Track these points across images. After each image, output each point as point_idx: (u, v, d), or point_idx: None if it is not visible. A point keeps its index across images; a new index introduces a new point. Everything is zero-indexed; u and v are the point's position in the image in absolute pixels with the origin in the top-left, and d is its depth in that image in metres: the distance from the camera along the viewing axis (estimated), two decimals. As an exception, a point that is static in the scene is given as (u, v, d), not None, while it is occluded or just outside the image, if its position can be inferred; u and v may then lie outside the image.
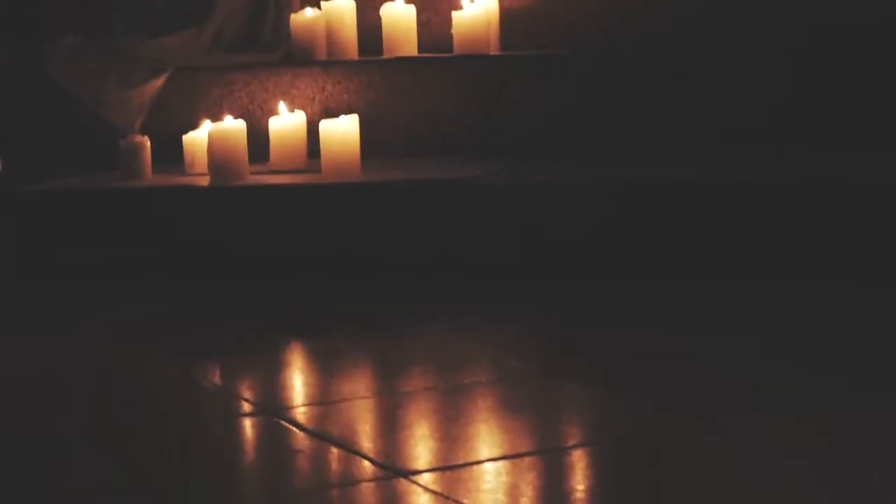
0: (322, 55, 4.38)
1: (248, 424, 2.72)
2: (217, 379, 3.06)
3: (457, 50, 4.29)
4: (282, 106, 4.14)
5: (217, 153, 3.96)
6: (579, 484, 2.31)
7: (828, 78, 4.07)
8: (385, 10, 4.35)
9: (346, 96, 4.29)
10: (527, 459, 2.38)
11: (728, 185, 3.65)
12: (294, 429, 2.59)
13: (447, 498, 2.17)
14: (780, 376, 2.78)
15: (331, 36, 4.38)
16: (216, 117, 4.15)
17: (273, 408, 2.77)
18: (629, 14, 4.34)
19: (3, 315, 3.73)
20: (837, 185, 3.58)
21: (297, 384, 3.03)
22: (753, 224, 3.56)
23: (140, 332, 3.45)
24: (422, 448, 2.48)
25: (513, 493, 2.22)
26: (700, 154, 3.97)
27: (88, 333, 3.44)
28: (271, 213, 3.88)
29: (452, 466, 2.34)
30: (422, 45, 4.41)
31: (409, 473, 2.30)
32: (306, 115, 4.14)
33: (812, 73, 4.09)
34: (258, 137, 4.10)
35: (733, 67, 4.12)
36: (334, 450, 2.47)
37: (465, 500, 2.16)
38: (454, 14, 4.27)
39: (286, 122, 4.09)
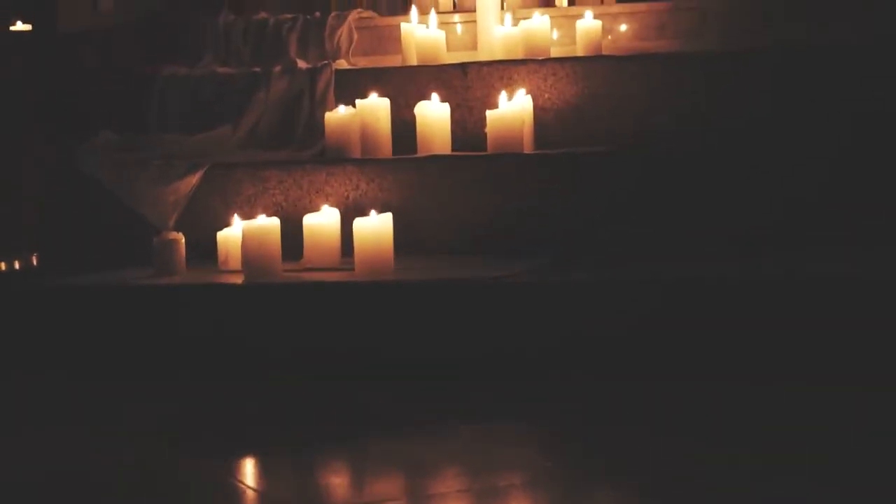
0: (356, 153, 4.39)
1: (279, 526, 2.69)
2: (248, 480, 3.04)
3: (491, 148, 4.30)
4: (322, 204, 4.15)
5: (251, 251, 3.96)
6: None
7: (859, 185, 4.05)
8: (419, 109, 4.37)
9: (380, 194, 4.30)
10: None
11: (765, 285, 3.63)
12: (327, 532, 2.55)
13: None
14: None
15: (365, 133, 4.40)
16: (250, 214, 4.16)
17: (305, 510, 2.74)
18: (662, 115, 4.36)
19: (35, 410, 3.71)
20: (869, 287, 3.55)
21: (329, 485, 3.00)
22: (795, 322, 3.54)
23: (172, 430, 3.43)
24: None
25: None
26: (734, 253, 3.95)
27: (121, 431, 3.42)
28: (305, 311, 3.87)
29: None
30: (456, 143, 4.42)
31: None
32: (340, 212, 4.15)
33: (845, 180, 4.07)
34: (292, 235, 4.11)
35: (766, 171, 4.11)
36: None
37: None
38: (489, 113, 4.29)
39: (320, 220, 4.10)
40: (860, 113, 4.19)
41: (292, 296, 3.90)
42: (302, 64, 4.74)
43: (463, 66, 4.57)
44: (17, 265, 4.54)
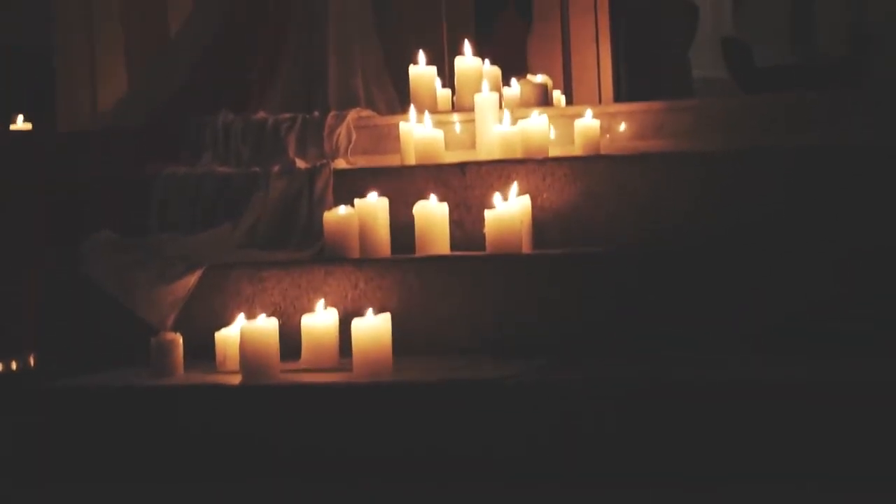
0: (355, 252, 4.39)
1: None
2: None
3: (489, 248, 4.30)
4: (320, 304, 4.13)
5: (248, 351, 3.95)
6: None
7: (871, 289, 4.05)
8: (418, 209, 4.38)
9: (378, 294, 4.29)
10: None
11: (761, 388, 3.61)
12: None
13: None
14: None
15: (364, 233, 4.40)
16: (249, 314, 4.15)
17: None
18: (661, 215, 4.36)
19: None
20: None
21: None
22: (790, 425, 3.52)
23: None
24: None
25: None
26: (733, 355, 3.94)
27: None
28: (302, 412, 3.85)
29: None
30: (454, 243, 4.42)
31: None
32: (339, 312, 4.13)
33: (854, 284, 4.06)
34: (290, 335, 4.10)
35: (766, 271, 4.10)
36: None
37: None
38: (487, 213, 4.29)
39: (318, 320, 4.08)
40: (865, 214, 4.20)
41: (290, 397, 3.88)
42: (301, 163, 4.76)
43: (461, 166, 4.58)
44: (14, 366, 4.53)
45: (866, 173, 4.27)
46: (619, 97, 6.13)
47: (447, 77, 5.22)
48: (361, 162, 4.88)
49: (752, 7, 10.04)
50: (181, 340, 4.16)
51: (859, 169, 4.28)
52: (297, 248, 4.57)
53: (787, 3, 10.35)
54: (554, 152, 4.69)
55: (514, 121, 4.72)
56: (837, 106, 4.65)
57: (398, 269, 4.30)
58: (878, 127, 4.52)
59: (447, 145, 4.77)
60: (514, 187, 4.36)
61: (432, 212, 4.37)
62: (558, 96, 5.53)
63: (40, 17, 6.74)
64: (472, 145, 4.84)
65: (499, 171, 4.53)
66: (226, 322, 4.23)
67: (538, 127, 4.65)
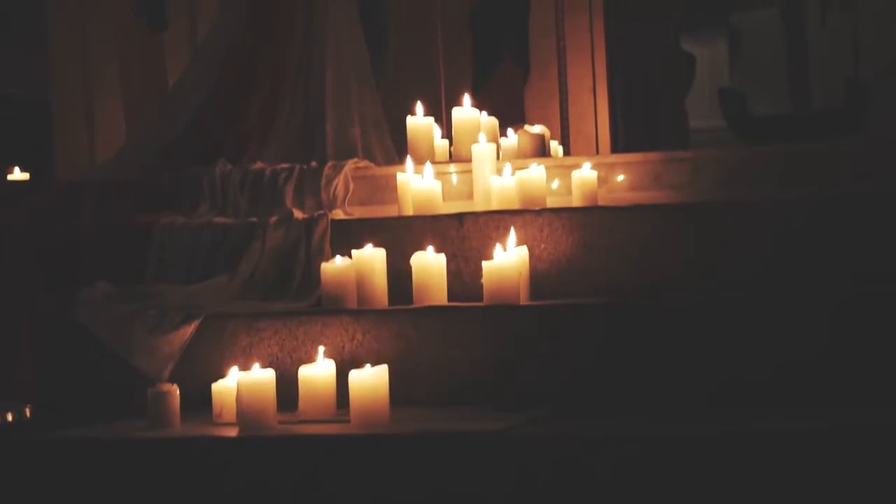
0: (352, 303, 4.39)
1: None
2: None
3: (487, 299, 4.29)
4: (320, 353, 4.12)
5: (245, 403, 3.94)
6: None
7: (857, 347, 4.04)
8: (415, 260, 4.38)
9: (375, 345, 4.28)
10: None
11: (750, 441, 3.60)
12: None
13: None
14: None
15: (361, 284, 4.40)
16: (245, 365, 4.14)
17: None
18: (658, 266, 4.37)
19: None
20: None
21: None
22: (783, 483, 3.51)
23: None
24: None
25: None
26: (729, 411, 3.93)
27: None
28: (299, 464, 3.83)
29: None
30: (452, 294, 4.42)
31: None
32: (336, 363, 4.13)
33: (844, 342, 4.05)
34: (287, 386, 4.08)
35: (763, 325, 4.09)
36: None
37: None
38: (485, 264, 4.29)
39: (315, 372, 4.08)
40: (860, 268, 4.20)
41: (287, 448, 3.86)
42: (298, 214, 4.76)
43: (459, 217, 4.59)
44: (9, 417, 4.51)
45: (859, 225, 4.29)
46: (616, 147, 6.15)
47: (445, 127, 5.24)
48: (359, 212, 4.89)
49: (748, 57, 10.10)
50: (178, 392, 4.15)
51: (852, 220, 4.30)
52: (294, 299, 4.56)
53: (783, 54, 10.41)
54: (552, 203, 4.70)
55: (512, 171, 4.73)
56: (831, 158, 4.67)
57: (395, 320, 4.29)
58: (870, 178, 4.54)
59: (445, 196, 4.78)
60: (513, 238, 4.36)
61: (430, 263, 4.37)
62: (556, 147, 5.55)
63: (37, 67, 6.77)
64: (470, 195, 4.85)
65: (496, 222, 4.53)
66: (223, 373, 4.22)
67: (535, 178, 4.66)
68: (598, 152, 5.71)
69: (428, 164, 4.80)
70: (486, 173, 4.76)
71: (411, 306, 4.35)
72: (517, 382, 4.19)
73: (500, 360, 4.21)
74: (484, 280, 4.28)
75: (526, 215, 4.53)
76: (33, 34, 7.03)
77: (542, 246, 4.49)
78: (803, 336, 4.01)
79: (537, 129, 5.25)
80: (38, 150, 6.65)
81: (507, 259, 4.28)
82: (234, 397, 4.02)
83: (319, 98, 5.36)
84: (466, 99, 5.09)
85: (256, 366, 4.04)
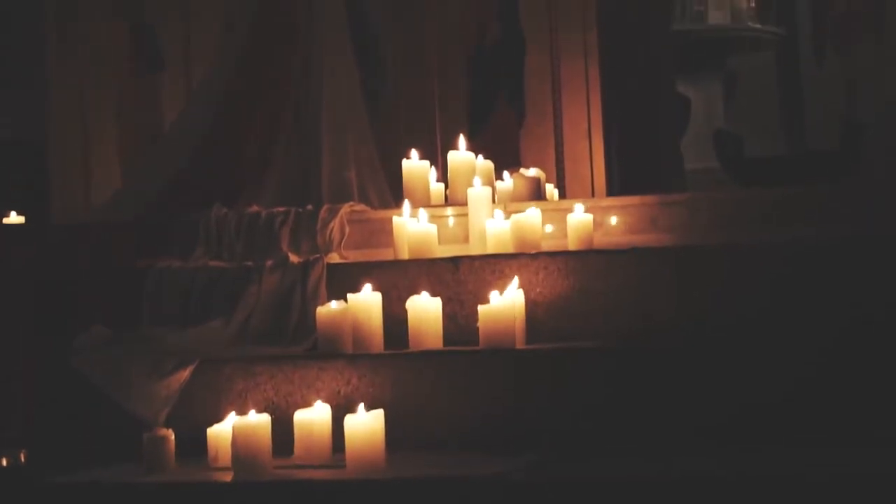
0: (348, 348, 4.38)
1: None
2: None
3: (483, 343, 4.28)
4: (317, 401, 4.12)
5: (241, 448, 3.93)
6: None
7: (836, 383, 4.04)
8: (411, 303, 4.37)
9: (371, 389, 4.27)
10: None
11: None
12: None
13: None
14: None
15: (357, 328, 4.39)
16: (241, 410, 4.13)
17: None
18: (655, 309, 4.37)
19: None
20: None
21: None
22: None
23: None
24: None
25: None
26: (728, 452, 3.92)
27: None
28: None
29: None
30: (447, 338, 4.41)
31: None
32: (331, 407, 4.12)
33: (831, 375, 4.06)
34: (283, 430, 4.07)
35: (759, 366, 4.09)
36: None
37: None
38: (480, 308, 4.29)
39: (311, 416, 4.07)
40: (851, 312, 4.21)
41: (282, 493, 3.85)
42: (294, 258, 4.76)
43: (455, 261, 4.59)
44: (4, 462, 4.49)
45: (853, 267, 4.30)
46: (612, 189, 6.16)
47: (441, 170, 5.25)
48: (355, 256, 4.89)
49: (743, 99, 10.13)
50: (173, 437, 4.14)
51: (846, 263, 4.31)
52: (290, 343, 4.55)
53: (778, 96, 10.45)
54: (547, 246, 4.70)
55: (508, 215, 4.73)
56: (826, 200, 4.68)
57: (391, 365, 4.29)
58: (864, 219, 4.55)
59: (440, 239, 4.78)
60: (513, 286, 4.36)
61: (425, 307, 4.37)
62: (551, 190, 5.55)
63: (33, 110, 6.78)
64: (466, 239, 4.85)
65: (492, 265, 4.54)
66: (218, 417, 4.21)
67: (531, 221, 4.66)
68: (593, 195, 5.72)
69: (423, 207, 4.80)
70: (481, 217, 4.76)
71: (407, 350, 4.35)
72: (514, 426, 4.17)
73: (496, 403, 4.20)
74: (480, 324, 4.28)
75: (521, 259, 4.53)
76: (28, 75, 7.05)
77: (538, 290, 4.49)
78: (794, 375, 4.02)
79: (532, 172, 5.26)
80: (33, 192, 6.66)
81: (503, 303, 4.28)
82: (229, 441, 4.01)
83: (315, 141, 5.37)
84: (462, 142, 5.10)
85: (252, 410, 4.03)
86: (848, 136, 8.22)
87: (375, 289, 4.43)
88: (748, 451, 3.89)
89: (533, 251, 4.59)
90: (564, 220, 4.74)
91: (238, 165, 5.38)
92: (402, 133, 5.67)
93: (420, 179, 5.04)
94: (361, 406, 3.96)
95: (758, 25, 9.98)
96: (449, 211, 4.96)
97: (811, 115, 10.38)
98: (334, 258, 4.83)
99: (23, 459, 4.47)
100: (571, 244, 4.68)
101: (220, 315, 4.66)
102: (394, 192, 5.31)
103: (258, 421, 3.96)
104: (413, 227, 4.71)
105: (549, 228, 4.80)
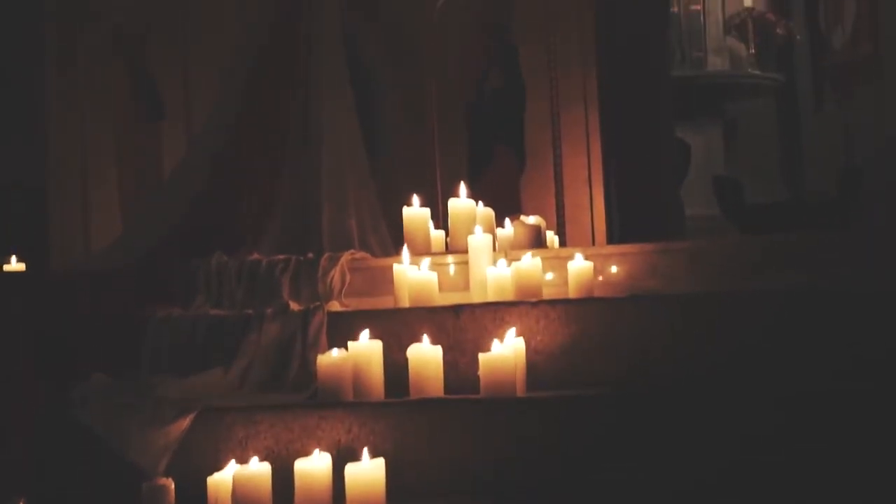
0: (349, 396, 4.37)
1: None
2: None
3: (484, 391, 4.27)
4: (316, 450, 4.11)
5: (241, 497, 3.92)
6: None
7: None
8: (412, 351, 4.37)
9: (372, 437, 4.26)
10: None
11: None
12: None
13: None
14: None
15: (357, 376, 4.38)
16: (242, 458, 4.12)
17: None
18: (655, 357, 4.37)
19: None
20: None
21: None
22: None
23: None
24: None
25: None
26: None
27: None
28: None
29: None
30: (448, 385, 4.40)
31: None
32: (332, 456, 4.10)
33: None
34: (283, 479, 4.05)
35: (765, 415, 4.09)
36: None
37: None
38: (481, 356, 4.28)
39: (311, 465, 4.04)
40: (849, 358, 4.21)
41: (282, 544, 3.85)
42: (294, 306, 4.75)
43: (455, 308, 4.58)
44: (2, 511, 4.48)
45: (847, 316, 4.32)
46: (612, 235, 6.16)
47: (441, 217, 5.25)
48: (355, 304, 4.89)
49: (743, 145, 10.15)
50: (173, 486, 4.13)
51: (842, 311, 4.33)
52: (290, 391, 4.55)
53: (777, 141, 10.47)
54: (548, 293, 4.70)
55: (508, 262, 4.73)
56: (824, 247, 4.70)
57: (392, 413, 4.27)
58: (863, 266, 4.56)
59: (441, 286, 4.78)
60: (513, 334, 4.35)
61: (426, 354, 4.36)
62: (552, 237, 5.56)
63: (34, 156, 6.79)
64: (466, 286, 4.85)
65: (492, 313, 4.53)
66: (218, 466, 4.19)
67: (532, 269, 4.67)
68: (594, 242, 5.72)
69: (424, 255, 4.80)
70: (482, 264, 4.76)
71: (408, 399, 4.34)
72: (514, 474, 4.16)
73: (496, 451, 4.19)
74: (481, 372, 4.27)
75: (522, 307, 4.53)
76: (28, 120, 7.06)
77: (539, 338, 4.48)
78: (793, 425, 4.02)
79: (533, 219, 5.27)
80: (33, 238, 6.66)
81: (504, 351, 4.28)
82: (229, 490, 4.00)
83: (315, 188, 5.38)
84: (462, 189, 5.11)
85: (254, 459, 4.02)
86: (847, 181, 8.24)
87: (376, 336, 4.43)
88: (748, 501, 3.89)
89: (534, 299, 4.59)
90: (565, 268, 4.74)
91: (238, 212, 5.38)
92: (402, 180, 5.67)
93: (421, 227, 5.05)
94: (366, 451, 3.94)
95: (757, 72, 10.01)
96: (450, 259, 4.96)
97: (810, 161, 10.40)
98: (335, 306, 4.83)
99: (21, 509, 4.45)
100: (572, 292, 4.68)
101: (220, 363, 4.66)
102: (394, 238, 5.31)
103: (258, 470, 3.95)
104: (414, 275, 4.71)
105: (549, 276, 4.80)
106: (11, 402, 4.76)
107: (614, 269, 4.83)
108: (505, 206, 5.61)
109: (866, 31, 9.62)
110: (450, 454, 4.22)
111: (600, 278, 4.80)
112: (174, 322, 4.79)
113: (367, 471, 3.91)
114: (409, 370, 4.36)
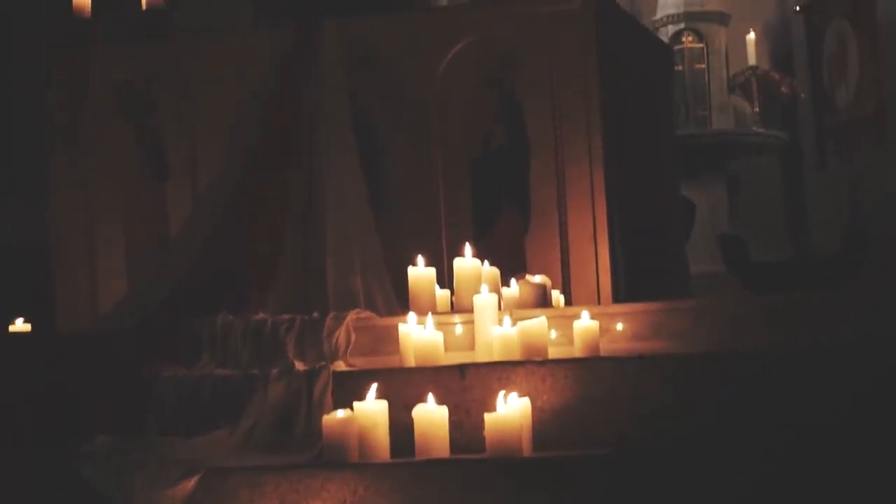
0: (354, 456, 4.35)
1: None
2: None
3: (489, 451, 4.26)
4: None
5: (246, 559, 3.90)
6: None
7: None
8: (417, 412, 4.36)
9: (377, 499, 4.24)
10: None
11: None
12: None
13: None
14: None
15: (363, 437, 4.36)
16: (246, 520, 4.11)
17: None
18: (662, 415, 4.36)
19: None
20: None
21: None
22: None
23: None
24: None
25: None
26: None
27: None
28: None
29: None
30: (454, 445, 4.39)
31: None
32: (337, 518, 4.09)
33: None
34: (288, 541, 4.05)
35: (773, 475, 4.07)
36: None
37: None
38: (487, 416, 4.27)
39: (316, 527, 4.04)
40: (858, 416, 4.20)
41: None
42: (299, 365, 4.75)
43: (461, 368, 4.57)
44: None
45: (853, 374, 4.31)
46: (617, 293, 6.14)
47: (446, 277, 5.25)
48: (361, 363, 4.88)
49: (747, 203, 10.16)
50: (177, 551, 4.11)
51: (851, 369, 4.33)
52: (295, 452, 4.52)
53: (782, 199, 10.48)
54: (554, 352, 4.69)
55: (514, 322, 4.73)
56: (832, 306, 4.70)
57: (397, 474, 4.26)
58: (870, 322, 4.56)
59: (446, 346, 4.77)
60: (518, 394, 4.35)
61: (431, 414, 4.35)
62: (557, 296, 5.55)
63: (38, 215, 6.80)
64: (472, 346, 4.84)
65: (498, 373, 4.52)
66: (222, 528, 4.18)
67: (537, 328, 4.66)
68: (599, 300, 5.70)
69: (430, 315, 4.79)
70: (487, 324, 4.76)
71: (413, 459, 4.32)
72: (521, 536, 4.15)
73: (502, 512, 4.17)
74: (486, 432, 4.26)
75: (528, 366, 4.52)
76: (33, 179, 7.08)
77: (545, 397, 4.47)
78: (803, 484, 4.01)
79: (538, 278, 5.27)
80: (39, 298, 6.65)
81: (510, 411, 4.26)
82: (234, 553, 3.98)
83: (320, 247, 5.38)
84: (468, 249, 5.11)
85: (258, 521, 4.00)
86: (851, 238, 8.24)
87: (382, 396, 4.42)
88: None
89: (539, 358, 4.58)
90: (571, 327, 4.74)
91: (243, 272, 5.38)
92: (407, 239, 5.67)
93: (426, 287, 5.04)
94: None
95: (761, 130, 10.02)
96: (456, 318, 4.95)
97: (815, 218, 10.40)
98: (340, 366, 4.82)
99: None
100: (578, 350, 4.68)
101: (225, 423, 4.64)
102: (400, 297, 5.30)
103: (263, 532, 3.93)
104: (419, 335, 4.71)
105: (554, 335, 4.79)
106: (16, 463, 4.75)
107: (620, 327, 4.82)
108: (510, 263, 5.59)
109: (869, 89, 9.65)
110: (454, 511, 4.21)
111: (606, 337, 4.78)
112: (179, 382, 4.78)
113: (373, 532, 3.90)
114: (415, 430, 4.35)
